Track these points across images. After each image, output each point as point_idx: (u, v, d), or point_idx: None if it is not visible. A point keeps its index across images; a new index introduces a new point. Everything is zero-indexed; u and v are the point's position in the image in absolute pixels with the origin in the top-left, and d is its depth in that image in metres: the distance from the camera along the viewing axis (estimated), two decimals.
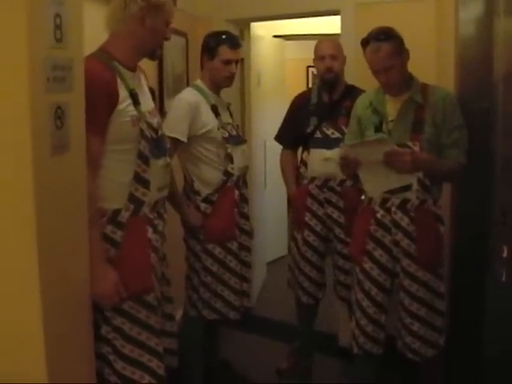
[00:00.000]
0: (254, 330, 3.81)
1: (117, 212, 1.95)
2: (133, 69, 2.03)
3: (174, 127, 2.62)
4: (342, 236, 3.00)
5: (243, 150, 2.86)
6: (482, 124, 2.42)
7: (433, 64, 2.99)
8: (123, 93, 1.93)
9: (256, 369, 3.28)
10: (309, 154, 3.08)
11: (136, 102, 1.96)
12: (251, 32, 4.16)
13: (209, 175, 2.73)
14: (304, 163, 3.13)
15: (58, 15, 1.55)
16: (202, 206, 2.74)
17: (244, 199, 2.88)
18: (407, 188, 2.40)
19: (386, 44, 2.36)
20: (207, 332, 2.92)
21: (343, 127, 2.93)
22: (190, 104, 2.68)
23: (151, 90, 2.23)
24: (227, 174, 2.73)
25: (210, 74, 2.79)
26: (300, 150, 3.25)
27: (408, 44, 2.43)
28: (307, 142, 3.09)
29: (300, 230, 3.10)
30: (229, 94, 3.18)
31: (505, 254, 1.99)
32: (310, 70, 6.83)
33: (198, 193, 2.75)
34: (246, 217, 2.90)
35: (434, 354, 2.46)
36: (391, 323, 2.53)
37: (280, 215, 5.05)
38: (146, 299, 1.98)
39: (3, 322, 1.53)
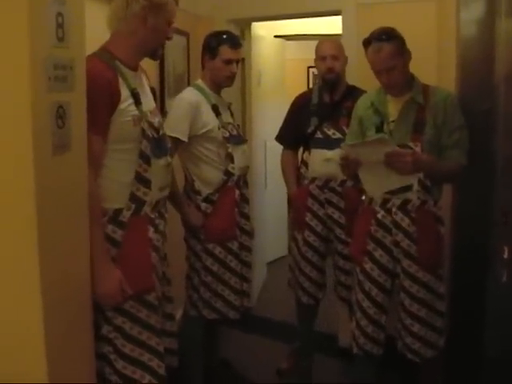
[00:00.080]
0: (254, 330, 3.81)
1: (118, 211, 1.95)
2: (134, 68, 2.03)
3: (175, 127, 2.62)
4: (343, 236, 3.00)
5: (244, 150, 2.86)
6: (483, 125, 2.42)
7: (434, 64, 2.99)
8: (125, 92, 1.93)
9: (256, 369, 3.28)
10: (309, 154, 3.08)
11: (137, 101, 1.96)
12: (252, 32, 4.16)
13: (209, 175, 2.73)
14: (305, 163, 3.13)
15: (59, 14, 1.54)
16: (203, 205, 2.74)
17: (244, 199, 2.88)
18: (408, 189, 2.40)
19: (387, 44, 2.36)
20: (207, 332, 2.92)
21: (344, 128, 2.93)
22: (190, 104, 2.68)
23: (152, 90, 2.23)
24: (228, 173, 2.73)
25: (210, 74, 2.79)
26: (301, 150, 3.25)
27: (409, 44, 2.43)
28: (308, 142, 3.09)
29: (300, 231, 3.10)
30: (229, 93, 3.18)
31: (505, 255, 1.99)
32: (311, 70, 6.83)
33: (198, 192, 2.75)
34: (247, 217, 2.90)
35: (433, 354, 2.46)
36: (391, 324, 2.53)
37: (280, 215, 5.03)
38: (146, 299, 1.98)
39: (4, 322, 1.52)
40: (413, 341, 2.43)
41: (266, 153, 4.65)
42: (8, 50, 1.42)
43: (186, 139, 2.65)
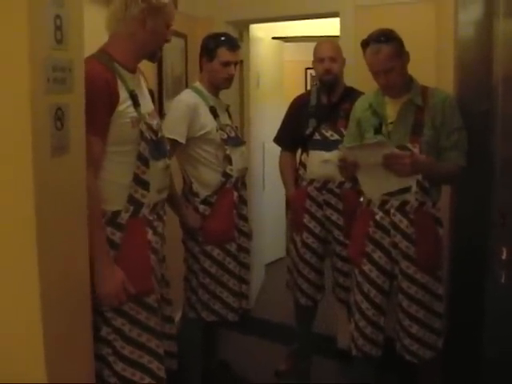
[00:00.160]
0: (253, 332, 3.81)
1: (116, 213, 1.95)
2: (133, 70, 2.03)
3: (173, 129, 2.62)
4: (341, 238, 3.00)
5: (242, 152, 2.86)
6: (482, 126, 2.42)
7: (432, 66, 3.00)
8: (123, 94, 1.93)
9: (255, 370, 3.27)
10: (307, 155, 3.08)
11: (136, 103, 1.96)
12: (250, 34, 4.16)
13: (207, 177, 2.73)
14: (303, 165, 3.13)
15: (58, 16, 1.54)
16: (201, 207, 2.74)
17: (243, 201, 2.88)
18: (406, 190, 2.40)
19: (386, 46, 2.36)
20: (206, 334, 2.92)
21: (342, 129, 2.93)
22: (188, 106, 2.68)
23: (150, 92, 2.23)
24: (226, 175, 2.73)
25: (208, 76, 2.79)
26: (299, 151, 3.25)
27: (407, 46, 2.43)
28: (306, 143, 3.09)
29: (299, 232, 3.10)
30: (228, 95, 3.18)
31: (504, 256, 1.99)
32: (309, 71, 6.84)
33: (196, 194, 2.75)
34: (245, 218, 2.90)
35: (432, 355, 2.46)
36: (390, 325, 2.53)
37: (278, 217, 5.05)
38: (146, 301, 1.97)
39: (3, 323, 1.52)
40: (411, 342, 2.44)
41: (264, 154, 4.65)
42: (7, 52, 1.42)
43: (183, 141, 2.65)
